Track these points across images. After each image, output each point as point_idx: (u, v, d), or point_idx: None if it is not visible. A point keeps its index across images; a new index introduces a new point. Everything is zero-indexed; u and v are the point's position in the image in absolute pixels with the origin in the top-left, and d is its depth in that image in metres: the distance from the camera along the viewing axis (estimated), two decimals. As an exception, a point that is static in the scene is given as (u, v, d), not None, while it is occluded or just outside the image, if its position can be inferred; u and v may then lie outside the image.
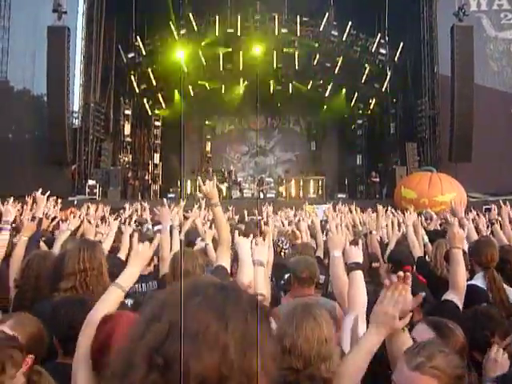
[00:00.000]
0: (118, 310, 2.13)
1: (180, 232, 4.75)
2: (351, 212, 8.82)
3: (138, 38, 22.22)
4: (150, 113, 25.45)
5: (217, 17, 21.77)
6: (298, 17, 21.84)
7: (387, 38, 22.13)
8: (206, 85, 24.72)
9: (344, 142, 26.73)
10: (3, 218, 4.14)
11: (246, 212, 10.53)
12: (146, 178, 24.53)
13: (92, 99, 20.72)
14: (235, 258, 3.58)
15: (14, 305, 3.40)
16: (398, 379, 1.80)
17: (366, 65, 22.92)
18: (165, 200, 4.94)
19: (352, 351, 2.06)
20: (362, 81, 23.30)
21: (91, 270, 3.06)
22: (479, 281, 4.01)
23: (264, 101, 26.03)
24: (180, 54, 22.28)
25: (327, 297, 3.95)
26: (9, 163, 18.67)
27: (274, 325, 1.37)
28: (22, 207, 6.23)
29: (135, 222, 7.56)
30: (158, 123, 26.07)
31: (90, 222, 5.74)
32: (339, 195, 21.73)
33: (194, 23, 21.75)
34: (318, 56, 22.88)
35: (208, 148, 27.67)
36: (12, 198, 5.04)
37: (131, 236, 5.41)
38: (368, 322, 2.10)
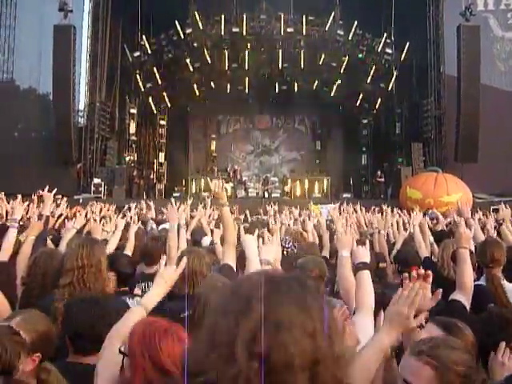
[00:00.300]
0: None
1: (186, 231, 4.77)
2: (356, 212, 8.82)
3: (143, 36, 22.24)
4: (155, 112, 25.47)
5: (222, 16, 21.78)
6: (304, 16, 21.79)
7: (393, 38, 22.06)
8: (212, 84, 24.73)
9: (349, 142, 26.66)
10: (11, 216, 4.15)
11: (248, 212, 10.52)
12: (151, 176, 24.57)
13: (98, 98, 20.76)
14: (240, 257, 3.62)
15: (21, 302, 3.41)
16: (401, 365, 1.81)
17: (372, 64, 22.84)
18: (173, 199, 4.96)
19: (362, 350, 2.04)
20: (368, 80, 23.22)
21: (89, 267, 3.07)
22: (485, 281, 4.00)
23: (269, 100, 26.05)
24: (185, 53, 22.31)
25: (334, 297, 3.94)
26: (15, 162, 18.74)
27: None
28: (28, 206, 6.25)
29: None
30: (163, 122, 26.12)
31: (95, 221, 5.76)
32: (344, 195, 21.68)
33: (199, 22, 21.76)
34: (323, 55, 22.83)
35: (213, 147, 27.67)
36: (20, 195, 5.04)
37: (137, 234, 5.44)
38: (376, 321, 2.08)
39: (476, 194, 16.86)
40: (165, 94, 24.83)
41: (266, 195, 22.05)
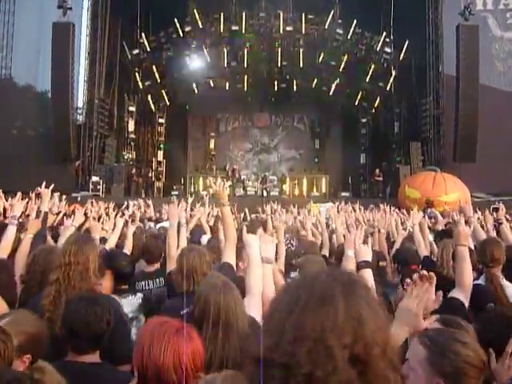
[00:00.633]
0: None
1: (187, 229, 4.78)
2: (355, 211, 8.83)
3: (142, 34, 22.22)
4: (154, 110, 25.44)
5: (221, 14, 21.76)
6: (303, 14, 21.81)
7: (392, 37, 22.05)
8: (211, 82, 24.71)
9: (348, 141, 26.65)
10: (10, 212, 4.14)
11: (247, 210, 10.51)
12: (150, 175, 24.57)
13: (96, 96, 20.72)
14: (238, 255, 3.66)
15: (20, 300, 3.40)
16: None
17: (371, 63, 22.86)
18: (174, 197, 4.97)
19: None
20: (367, 79, 23.25)
21: (75, 265, 3.06)
22: (484, 280, 4.01)
23: (268, 98, 26.05)
24: (185, 51, 22.29)
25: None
26: (13, 159, 18.67)
27: None
28: (27, 203, 6.23)
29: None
30: (161, 120, 26.09)
31: (95, 219, 5.75)
32: (343, 194, 21.71)
33: (198, 20, 21.74)
34: (322, 54, 22.84)
35: (212, 145, 27.68)
36: (20, 193, 5.02)
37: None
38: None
39: (474, 194, 16.86)
40: (164, 91, 24.81)
41: (265, 194, 22.04)
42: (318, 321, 1.05)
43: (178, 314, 2.69)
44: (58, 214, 6.91)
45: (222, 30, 22.02)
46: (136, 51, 22.48)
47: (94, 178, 19.83)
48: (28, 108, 20.72)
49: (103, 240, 4.95)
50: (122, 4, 20.37)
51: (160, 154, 25.98)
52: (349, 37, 21.99)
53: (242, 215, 10.17)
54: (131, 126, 23.39)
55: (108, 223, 5.65)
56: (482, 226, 5.76)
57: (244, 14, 21.79)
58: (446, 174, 17.27)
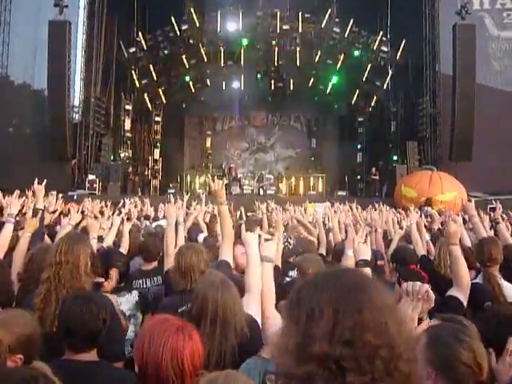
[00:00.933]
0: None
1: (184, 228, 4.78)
2: (352, 210, 8.83)
3: (139, 32, 22.18)
4: (150, 108, 25.39)
5: (218, 12, 21.73)
6: (300, 13, 21.78)
7: (389, 36, 22.12)
8: (207, 80, 24.69)
9: (345, 140, 26.64)
10: (7, 211, 4.12)
11: (243, 209, 10.52)
12: (146, 173, 24.53)
13: (93, 94, 20.66)
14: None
15: (18, 299, 3.40)
16: None
17: (368, 62, 22.87)
18: (171, 196, 4.98)
19: None
20: (364, 78, 23.25)
21: (65, 264, 3.06)
22: (482, 279, 4.01)
23: (265, 97, 26.02)
24: (181, 50, 22.25)
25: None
26: (9, 158, 18.63)
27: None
28: (24, 201, 6.20)
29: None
30: (158, 119, 26.04)
31: (92, 218, 5.73)
32: (339, 193, 21.73)
33: (195, 19, 21.70)
34: (319, 53, 22.83)
35: (208, 144, 27.65)
36: (18, 191, 4.99)
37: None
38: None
39: (470, 193, 16.91)
40: (160, 90, 24.77)
41: (261, 192, 22.06)
42: (348, 315, 1.09)
43: (176, 312, 2.69)
44: (54, 212, 6.89)
45: (218, 29, 21.99)
46: (133, 49, 22.41)
47: (91, 177, 19.78)
48: (24, 106, 20.68)
49: (101, 239, 4.94)
50: (118, 2, 20.35)
51: (156, 152, 25.91)
52: (345, 36, 21.97)
53: (238, 213, 10.15)
54: (127, 125, 23.31)
55: (105, 222, 5.64)
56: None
57: (241, 12, 21.75)
58: (442, 173, 17.32)
